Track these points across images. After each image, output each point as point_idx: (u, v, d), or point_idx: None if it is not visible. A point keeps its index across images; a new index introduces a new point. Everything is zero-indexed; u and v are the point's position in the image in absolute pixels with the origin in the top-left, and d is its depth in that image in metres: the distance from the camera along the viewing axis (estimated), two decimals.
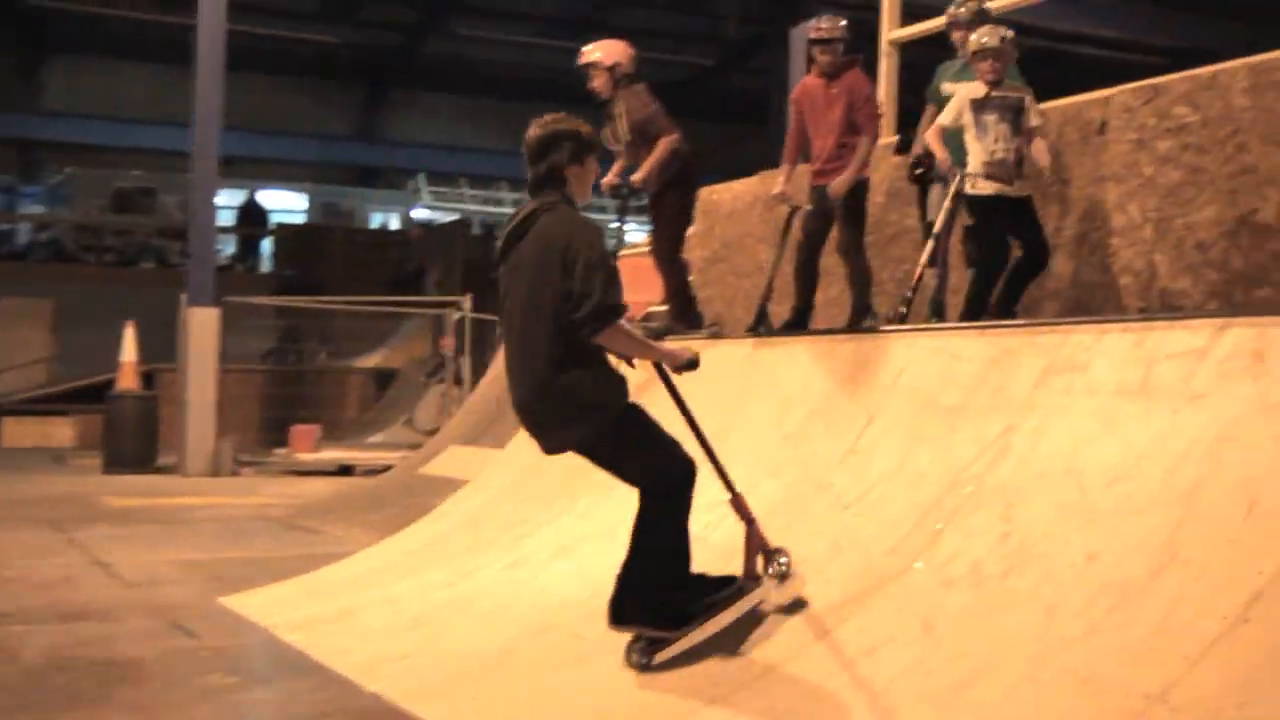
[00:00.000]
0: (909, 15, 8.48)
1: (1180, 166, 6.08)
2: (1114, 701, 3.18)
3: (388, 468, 11.84)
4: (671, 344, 4.86)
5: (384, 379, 17.91)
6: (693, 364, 4.36)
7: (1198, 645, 3.19)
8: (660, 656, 4.20)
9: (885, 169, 7.32)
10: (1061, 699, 3.29)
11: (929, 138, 6.18)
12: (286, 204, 27.53)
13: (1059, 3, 8.55)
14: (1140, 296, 6.17)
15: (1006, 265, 5.97)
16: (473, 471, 7.65)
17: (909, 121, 6.79)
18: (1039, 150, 6.01)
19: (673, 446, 4.20)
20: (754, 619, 4.28)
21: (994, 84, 5.96)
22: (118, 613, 5.70)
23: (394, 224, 28.15)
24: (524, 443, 7.22)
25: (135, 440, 13.55)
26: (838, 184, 6.23)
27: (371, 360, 18.56)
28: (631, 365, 4.45)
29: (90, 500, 10.57)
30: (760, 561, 4.37)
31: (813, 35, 6.49)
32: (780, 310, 6.67)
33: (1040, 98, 6.20)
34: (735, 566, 4.63)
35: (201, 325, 13.32)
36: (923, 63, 6.94)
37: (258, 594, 6.01)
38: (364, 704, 4.28)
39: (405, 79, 28.64)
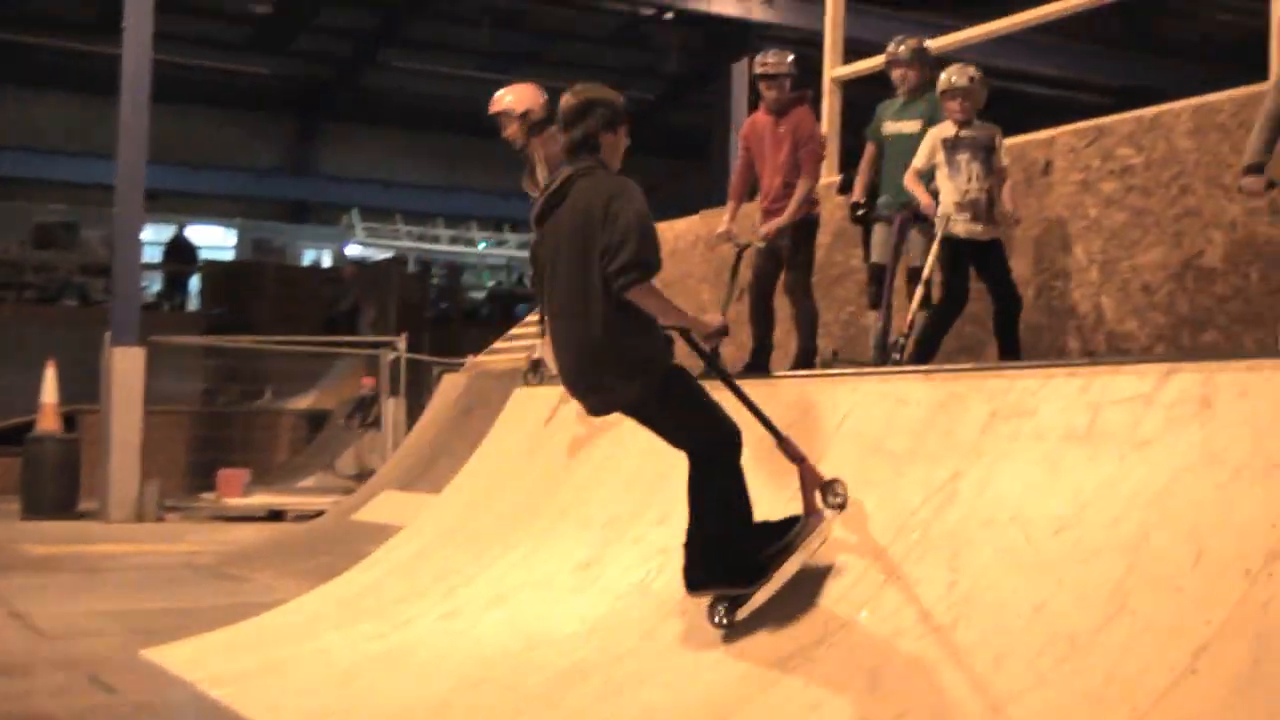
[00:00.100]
0: (851, 53, 8.51)
1: (1125, 208, 6.14)
2: None
3: (319, 513, 11.61)
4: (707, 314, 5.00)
5: (317, 421, 17.63)
6: (723, 331, 4.53)
7: (1147, 697, 3.17)
8: (742, 613, 4.31)
9: (829, 208, 7.32)
10: None
11: (907, 182, 6.08)
12: (215, 240, 27.11)
13: (1001, 41, 8.63)
14: (1087, 339, 6.21)
15: (963, 310, 5.94)
16: (407, 517, 7.51)
17: (851, 161, 6.79)
18: (1007, 194, 6.01)
19: (717, 409, 4.31)
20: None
21: (963, 124, 5.95)
22: (34, 667, 5.49)
23: (327, 261, 27.83)
24: (460, 488, 7.13)
25: (55, 485, 13.16)
26: (768, 227, 6.21)
27: (304, 402, 18.26)
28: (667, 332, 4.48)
29: (7, 548, 10.21)
30: (818, 495, 4.47)
31: (758, 70, 6.48)
32: (731, 351, 6.62)
33: None
34: (678, 616, 4.57)
35: (126, 365, 13.00)
36: (864, 101, 6.95)
37: (182, 646, 5.81)
38: None
39: (339, 112, 28.39)
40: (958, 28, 8.69)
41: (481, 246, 30.56)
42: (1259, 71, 6.04)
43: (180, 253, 23.19)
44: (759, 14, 15.95)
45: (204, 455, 15.30)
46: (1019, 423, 4.30)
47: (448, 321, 22.18)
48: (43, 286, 21.83)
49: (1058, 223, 6.42)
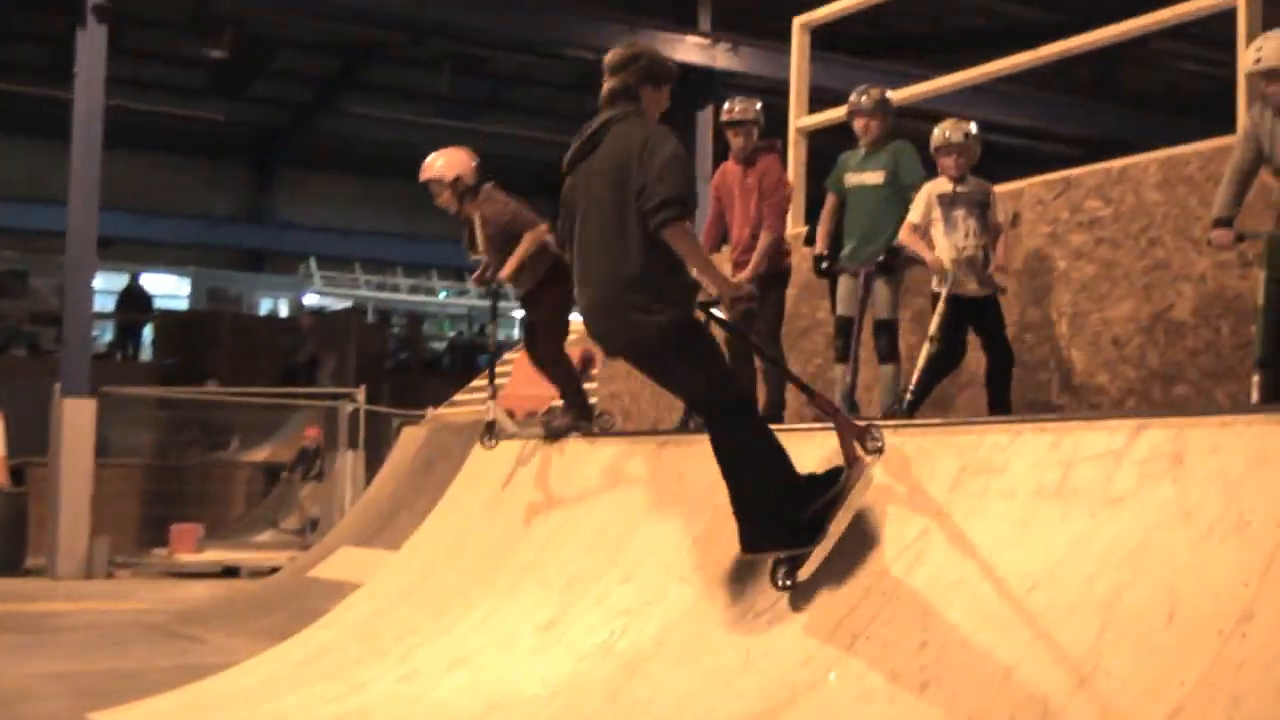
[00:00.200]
0: (818, 102, 8.52)
1: (1094, 261, 6.14)
2: None
3: (275, 569, 11.43)
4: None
5: (274, 473, 17.38)
6: (751, 297, 4.56)
7: None
8: (803, 573, 4.34)
9: (795, 259, 7.30)
10: None
11: (904, 237, 5.97)
12: (170, 288, 26.79)
13: (968, 91, 8.67)
14: (1057, 393, 6.18)
15: (959, 365, 5.89)
16: (366, 574, 7.35)
17: (815, 212, 6.76)
18: (1002, 249, 5.97)
19: (731, 369, 4.38)
20: None
21: (958, 179, 5.91)
22: None
23: (284, 310, 27.56)
24: (419, 545, 6.99)
25: (1, 540, 12.86)
26: (740, 293, 6.17)
27: (260, 454, 18.00)
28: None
29: None
30: (856, 444, 4.47)
31: (725, 118, 6.45)
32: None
33: None
34: (642, 677, 4.47)
35: (76, 417, 12.80)
36: (830, 151, 6.94)
37: (132, 710, 5.62)
38: None
39: (296, 158, 28.19)
40: (925, 77, 8.74)
41: (442, 296, 30.42)
42: (1227, 124, 6.06)
43: (133, 301, 22.90)
44: (723, 62, 15.98)
45: (156, 509, 15.00)
46: (989, 479, 4.26)
47: (408, 372, 22.02)
48: None
49: (1027, 275, 6.42)
